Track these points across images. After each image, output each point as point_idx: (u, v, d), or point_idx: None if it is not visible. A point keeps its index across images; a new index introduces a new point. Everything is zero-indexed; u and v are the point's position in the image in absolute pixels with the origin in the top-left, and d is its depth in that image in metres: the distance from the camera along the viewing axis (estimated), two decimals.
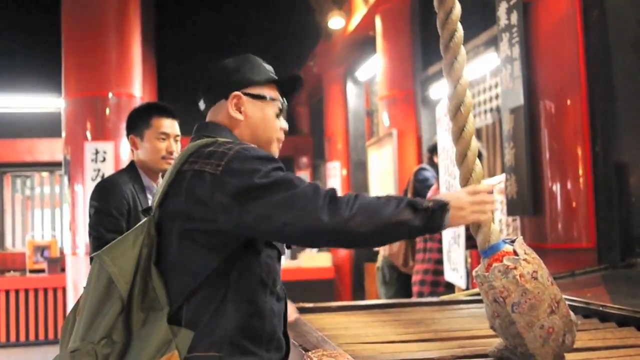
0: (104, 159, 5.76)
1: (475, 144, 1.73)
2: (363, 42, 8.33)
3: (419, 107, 7.08)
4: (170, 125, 2.72)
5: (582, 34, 3.26)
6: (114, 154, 5.78)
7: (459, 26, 1.75)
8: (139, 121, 2.72)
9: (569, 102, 3.33)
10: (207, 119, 1.80)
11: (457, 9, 1.75)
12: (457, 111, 1.72)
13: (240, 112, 1.76)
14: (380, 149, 7.68)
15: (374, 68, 8.27)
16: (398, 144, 7.00)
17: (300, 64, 10.61)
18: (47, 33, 7.70)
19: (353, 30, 8.04)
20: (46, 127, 9.66)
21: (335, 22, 8.26)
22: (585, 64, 3.25)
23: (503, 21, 3.72)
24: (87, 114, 5.88)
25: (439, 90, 6.58)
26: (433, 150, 5.05)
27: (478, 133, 6.19)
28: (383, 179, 7.65)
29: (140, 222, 1.66)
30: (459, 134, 1.73)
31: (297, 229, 1.51)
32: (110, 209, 2.54)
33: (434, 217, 1.56)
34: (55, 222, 10.40)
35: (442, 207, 1.57)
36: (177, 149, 2.69)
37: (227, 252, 1.58)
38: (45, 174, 10.46)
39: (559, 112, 3.39)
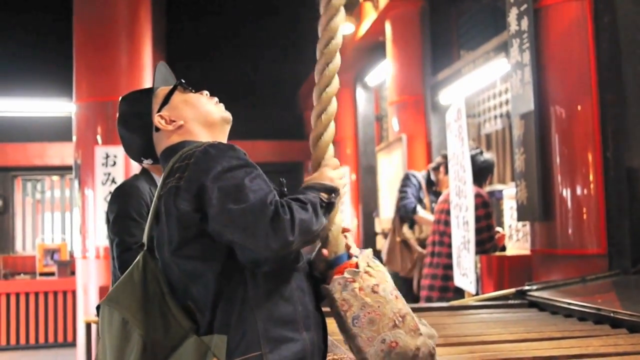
0: (115, 163, 5.78)
1: (331, 152, 1.75)
2: (373, 48, 8.34)
3: (428, 113, 7.08)
4: None
5: (592, 39, 3.26)
6: (124, 158, 5.80)
7: (339, 34, 1.75)
8: None
9: (579, 107, 3.32)
10: (161, 152, 1.78)
11: (341, 16, 1.74)
12: (318, 118, 1.74)
13: (175, 121, 1.76)
14: (389, 154, 7.68)
15: (384, 73, 8.27)
16: (407, 149, 6.99)
17: (309, 69, 10.62)
18: (58, 38, 7.75)
19: (363, 35, 8.05)
20: (57, 131, 9.71)
21: (345, 27, 8.27)
22: (596, 70, 3.24)
23: (513, 27, 3.72)
24: (98, 119, 5.91)
25: (449, 96, 6.58)
26: (436, 169, 5.03)
27: (488, 139, 6.18)
28: (392, 184, 7.65)
29: (137, 259, 1.63)
30: (316, 142, 1.74)
31: (243, 251, 1.50)
32: (130, 212, 2.53)
33: (332, 207, 1.63)
34: (66, 225, 10.44)
35: (337, 194, 1.64)
36: None
37: (222, 254, 1.55)
38: (55, 178, 10.51)
39: (569, 117, 3.38)
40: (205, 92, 1.84)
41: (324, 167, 1.72)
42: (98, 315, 1.63)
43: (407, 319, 1.53)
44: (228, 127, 1.84)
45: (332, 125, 1.74)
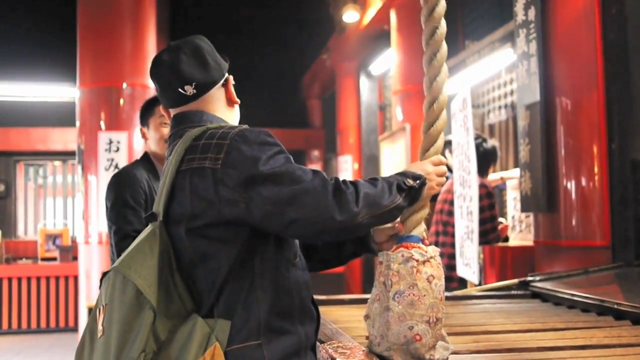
0: (118, 149, 5.79)
1: (441, 142, 1.76)
2: (377, 36, 8.32)
3: None
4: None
5: (600, 30, 3.24)
6: (127, 144, 5.81)
7: (442, 22, 1.75)
8: (145, 112, 2.77)
9: (585, 99, 3.31)
10: (191, 108, 1.71)
11: (442, 6, 1.75)
12: (430, 108, 1.74)
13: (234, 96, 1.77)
14: (393, 144, 7.67)
15: (388, 62, 8.25)
16: (411, 138, 6.99)
17: (313, 57, 10.60)
18: (62, 23, 7.74)
19: (367, 24, 8.02)
20: (59, 116, 9.72)
21: (349, 15, 8.25)
22: (602, 61, 3.23)
23: (520, 17, 3.70)
24: (102, 104, 5.92)
25: (454, 85, 6.56)
26: (445, 146, 5.05)
27: (491, 129, 6.17)
28: None
29: (150, 229, 1.59)
30: (427, 129, 1.74)
31: (308, 227, 1.51)
32: (127, 199, 2.54)
33: (416, 194, 1.64)
34: (67, 210, 10.45)
35: (423, 183, 1.65)
36: None
37: (242, 240, 1.55)
38: (57, 163, 10.51)
39: (575, 108, 3.37)
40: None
41: (425, 159, 1.73)
42: (102, 283, 1.59)
43: (439, 325, 1.54)
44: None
45: (444, 114, 1.75)
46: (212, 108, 1.72)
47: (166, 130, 2.68)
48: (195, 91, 1.69)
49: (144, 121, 2.75)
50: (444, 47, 1.75)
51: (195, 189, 1.54)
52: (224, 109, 1.75)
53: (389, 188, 1.58)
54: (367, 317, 1.64)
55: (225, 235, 1.55)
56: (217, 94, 1.74)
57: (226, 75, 1.77)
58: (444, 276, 1.59)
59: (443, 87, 1.73)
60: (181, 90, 1.68)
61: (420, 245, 1.60)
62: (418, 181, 1.63)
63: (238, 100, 1.79)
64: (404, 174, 1.65)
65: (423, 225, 1.68)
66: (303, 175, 1.52)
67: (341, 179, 1.57)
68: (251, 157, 1.52)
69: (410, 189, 1.61)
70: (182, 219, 1.56)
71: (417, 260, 1.55)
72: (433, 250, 1.60)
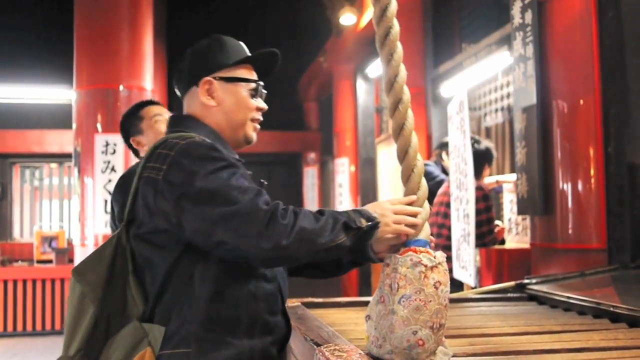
0: (114, 151, 5.77)
1: (415, 140, 1.66)
2: (374, 39, 8.29)
3: (429, 105, 7.07)
4: (159, 109, 2.79)
5: (596, 34, 3.25)
6: (124, 146, 5.76)
7: (395, 22, 1.72)
8: (130, 123, 2.79)
9: (582, 102, 3.32)
10: (184, 110, 1.76)
11: (393, 5, 1.72)
12: (395, 108, 1.67)
13: (213, 98, 1.71)
14: (389, 146, 7.67)
15: None
16: None
17: (310, 60, 10.60)
18: (59, 25, 7.73)
19: (364, 26, 8.03)
20: (56, 118, 9.70)
21: (346, 18, 8.26)
22: (599, 64, 3.23)
23: (517, 20, 3.71)
24: (98, 106, 5.90)
25: (450, 89, 6.57)
26: (442, 147, 5.07)
27: (488, 132, 6.18)
28: (392, 176, 7.65)
29: (114, 234, 1.65)
30: (398, 131, 1.66)
31: (233, 251, 1.50)
32: None
33: (365, 236, 1.56)
34: (63, 213, 10.44)
35: (375, 226, 1.56)
36: None
37: (181, 248, 1.56)
38: (54, 165, 10.50)
39: (571, 111, 3.38)
40: (261, 101, 1.78)
41: (405, 161, 1.62)
42: None
43: (441, 331, 1.54)
44: (242, 146, 1.80)
45: (411, 113, 1.66)
46: (203, 111, 1.74)
47: (163, 127, 2.68)
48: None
49: (134, 129, 2.77)
50: (399, 46, 1.70)
51: (143, 197, 1.58)
52: (220, 116, 1.74)
53: (332, 225, 1.52)
54: (368, 317, 1.64)
55: (164, 243, 1.57)
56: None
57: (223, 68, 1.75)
58: (448, 280, 1.58)
59: (404, 86, 1.67)
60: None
61: (429, 250, 1.58)
62: (370, 223, 1.56)
63: (251, 100, 1.77)
64: (359, 212, 1.58)
65: (429, 229, 1.65)
66: (239, 197, 1.49)
67: (290, 207, 1.52)
68: (189, 172, 1.52)
69: (358, 230, 1.55)
70: (133, 224, 1.61)
71: (425, 266, 1.53)
72: (441, 256, 1.58)
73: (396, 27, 1.71)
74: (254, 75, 1.79)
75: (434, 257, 1.55)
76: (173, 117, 1.80)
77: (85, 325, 1.57)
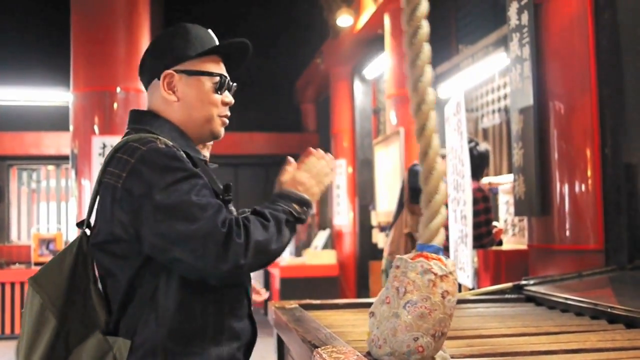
0: None
1: (436, 142, 1.65)
2: (371, 40, 8.33)
3: None
4: None
5: (593, 35, 3.25)
6: None
7: (424, 23, 1.71)
8: None
9: (578, 103, 3.32)
10: (147, 105, 1.69)
11: (424, 6, 1.72)
12: (419, 109, 1.66)
13: (174, 93, 1.63)
14: (387, 148, 7.68)
15: (382, 66, 8.26)
16: (405, 142, 6.99)
17: (307, 61, 10.61)
18: (56, 27, 7.72)
19: (361, 28, 8.03)
20: (53, 120, 9.70)
21: (343, 19, 8.26)
22: (595, 65, 3.24)
23: (514, 21, 3.71)
24: (95, 108, 5.90)
25: (447, 90, 6.57)
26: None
27: (485, 133, 6.19)
28: (389, 178, 7.65)
29: (73, 240, 1.60)
30: (420, 132, 1.65)
31: (190, 270, 1.47)
32: None
33: (304, 218, 1.60)
34: (61, 215, 10.42)
35: (309, 206, 1.60)
36: None
37: (142, 258, 1.51)
38: (51, 168, 10.49)
39: (568, 112, 3.38)
40: (227, 95, 1.69)
41: (424, 162, 1.56)
42: None
43: (442, 340, 1.53)
44: (208, 141, 1.74)
45: (434, 114, 1.65)
46: (165, 105, 1.67)
47: None
48: None
49: None
50: (427, 47, 1.70)
51: (102, 204, 1.54)
52: (183, 111, 1.66)
53: (278, 228, 1.51)
54: (372, 314, 1.63)
55: (125, 253, 1.52)
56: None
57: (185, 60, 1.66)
58: (456, 291, 1.57)
59: (429, 88, 1.67)
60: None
61: (441, 257, 1.57)
62: (304, 207, 1.58)
63: (216, 95, 1.67)
64: (289, 198, 1.57)
65: (443, 234, 1.61)
66: (197, 214, 1.44)
67: (240, 219, 1.48)
68: (149, 183, 1.46)
69: (299, 219, 1.57)
70: (92, 231, 1.57)
71: (435, 274, 1.52)
72: (452, 265, 1.56)
73: (425, 27, 1.70)
74: (221, 68, 1.69)
75: (445, 266, 1.53)
76: (134, 113, 1.70)
77: (46, 338, 1.52)
